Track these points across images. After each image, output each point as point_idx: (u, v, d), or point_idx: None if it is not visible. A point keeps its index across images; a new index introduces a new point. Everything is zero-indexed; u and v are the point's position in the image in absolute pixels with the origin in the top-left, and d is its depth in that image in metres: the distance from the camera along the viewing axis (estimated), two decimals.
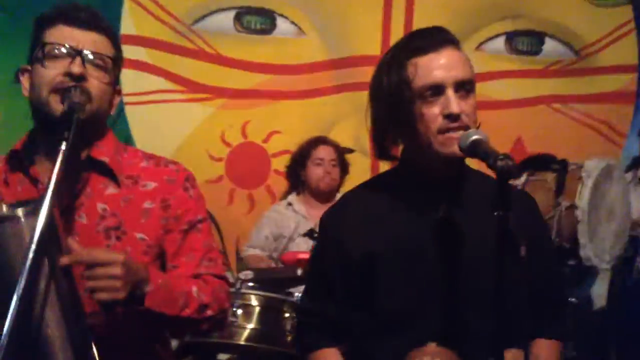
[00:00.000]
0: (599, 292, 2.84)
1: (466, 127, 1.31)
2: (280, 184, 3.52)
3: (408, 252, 1.38)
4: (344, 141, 3.47)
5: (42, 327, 1.16)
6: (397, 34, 3.79)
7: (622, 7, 4.06)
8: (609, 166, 2.76)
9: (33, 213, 1.15)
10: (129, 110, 3.54)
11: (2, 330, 1.07)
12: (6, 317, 1.07)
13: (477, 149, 1.25)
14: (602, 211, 2.73)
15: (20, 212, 1.16)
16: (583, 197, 2.62)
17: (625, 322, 2.92)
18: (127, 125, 3.53)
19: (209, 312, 1.40)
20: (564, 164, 2.71)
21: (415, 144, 1.37)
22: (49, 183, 1.15)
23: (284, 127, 3.73)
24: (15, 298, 1.08)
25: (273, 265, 3.10)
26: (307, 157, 3.15)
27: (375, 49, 3.79)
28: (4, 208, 1.18)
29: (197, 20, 3.69)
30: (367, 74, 3.97)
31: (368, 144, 3.72)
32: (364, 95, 4.20)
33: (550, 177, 2.70)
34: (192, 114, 3.69)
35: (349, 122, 3.76)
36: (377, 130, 1.42)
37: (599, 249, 2.70)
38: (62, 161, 1.17)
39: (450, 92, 1.32)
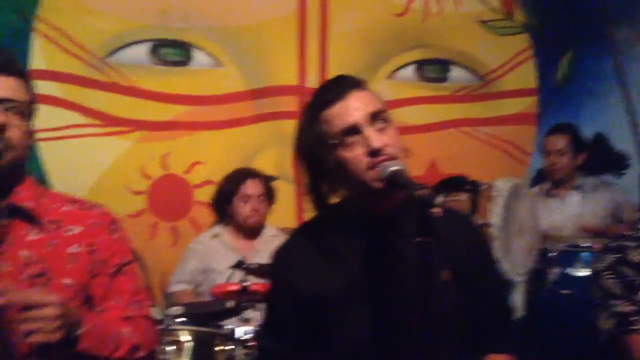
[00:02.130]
0: (517, 303, 3.00)
1: (392, 158, 1.34)
2: (204, 215, 3.49)
3: (358, 292, 1.39)
4: (267, 169, 3.49)
5: None
6: (313, 63, 3.91)
7: (521, 35, 4.37)
8: (516, 185, 2.96)
9: None
10: (42, 147, 3.42)
11: None
12: None
13: (397, 180, 1.29)
14: (513, 227, 2.91)
15: None
16: (495, 215, 2.78)
17: (540, 331, 3.09)
18: (39, 163, 3.42)
19: (140, 353, 1.40)
20: (475, 184, 2.88)
21: (350, 188, 1.40)
22: None
23: (206, 157, 3.71)
24: None
25: (199, 299, 3.07)
26: (233, 193, 3.11)
27: (292, 78, 3.88)
28: None
29: (111, 53, 3.63)
30: (285, 103, 4.10)
31: (291, 170, 3.78)
32: (283, 124, 4.30)
33: (464, 197, 2.85)
34: (109, 148, 3.61)
35: (270, 150, 3.80)
36: (311, 187, 1.44)
37: (513, 263, 2.87)
38: None
39: (367, 129, 1.35)
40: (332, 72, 3.86)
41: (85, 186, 3.49)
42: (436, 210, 1.20)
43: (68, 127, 3.53)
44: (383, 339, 1.38)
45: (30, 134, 1.38)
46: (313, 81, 3.87)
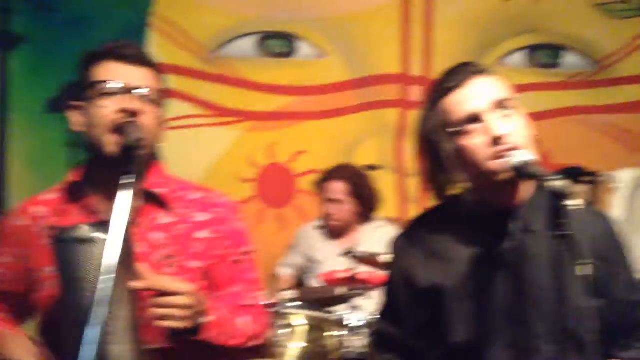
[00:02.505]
0: None
1: (515, 148, 1.28)
2: (307, 203, 3.57)
3: (475, 285, 1.35)
4: (369, 158, 3.52)
5: (108, 346, 1.20)
6: (417, 50, 3.86)
7: (638, 18, 4.08)
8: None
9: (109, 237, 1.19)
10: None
11: (79, 340, 1.11)
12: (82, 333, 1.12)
13: (525, 171, 1.23)
14: (634, 221, 2.73)
15: (100, 235, 1.21)
16: (617, 208, 2.62)
17: None
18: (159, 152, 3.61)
19: (256, 342, 1.45)
20: (594, 175, 2.72)
21: (471, 179, 1.35)
22: (115, 212, 1.18)
23: (309, 147, 3.78)
24: (90, 318, 1.12)
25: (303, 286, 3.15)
26: (320, 190, 3.17)
27: (395, 66, 3.85)
28: (86, 229, 1.23)
29: (220, 46, 3.78)
30: (388, 92, 4.07)
31: (393, 160, 3.81)
32: (385, 113, 4.27)
33: (582, 189, 2.71)
34: (220, 138, 3.77)
35: (372, 139, 3.81)
36: (431, 177, 1.41)
37: (634, 260, 2.70)
38: (133, 193, 1.21)
39: (488, 117, 1.30)
40: (437, 60, 3.81)
41: (198, 175, 3.65)
42: (574, 203, 1.13)
43: (182, 118, 3.71)
44: (502, 335, 1.33)
45: (162, 121, 1.45)
46: (417, 69, 3.83)
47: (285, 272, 3.25)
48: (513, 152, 1.27)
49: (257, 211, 3.73)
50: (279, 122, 3.79)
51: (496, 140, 1.28)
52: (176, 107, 3.69)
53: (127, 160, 1.27)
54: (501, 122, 1.30)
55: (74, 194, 1.45)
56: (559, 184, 1.14)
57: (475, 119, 1.31)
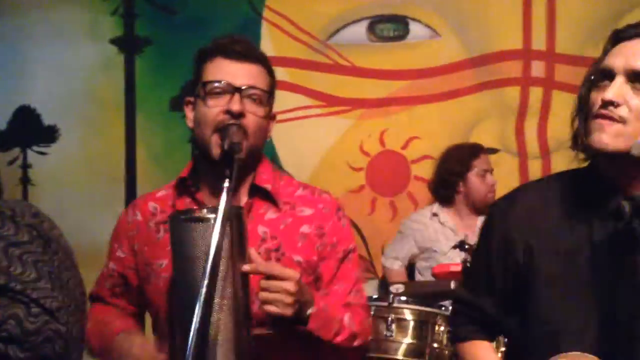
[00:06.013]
0: None
1: (621, 121, 1.19)
2: (421, 190, 3.47)
3: (574, 259, 1.27)
4: (487, 141, 3.35)
5: (214, 328, 1.22)
6: (540, 24, 3.58)
7: None
8: None
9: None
10: (273, 130, 3.68)
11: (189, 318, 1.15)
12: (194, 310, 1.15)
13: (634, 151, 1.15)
14: None
15: (216, 216, 1.23)
16: None
17: None
18: (272, 144, 3.67)
19: (358, 342, 1.43)
20: None
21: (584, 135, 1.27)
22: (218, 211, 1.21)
23: (423, 132, 3.65)
24: (201, 297, 1.16)
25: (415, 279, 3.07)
26: (467, 168, 3.05)
27: (516, 42, 3.60)
28: (204, 211, 1.28)
29: (331, 35, 3.75)
30: (508, 69, 3.82)
31: (514, 142, 3.57)
32: (505, 92, 4.03)
33: None
34: (332, 127, 3.74)
35: (490, 121, 3.60)
36: (572, 120, 1.33)
37: None
38: (227, 197, 1.24)
39: (617, 79, 1.21)
40: (561, 32, 3.53)
41: (311, 164, 3.68)
42: None
43: (295, 109, 3.73)
44: (594, 325, 1.24)
45: (266, 119, 1.47)
46: (540, 43, 3.57)
47: (397, 266, 3.17)
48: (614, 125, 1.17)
49: (369, 200, 3.67)
50: (390, 108, 3.70)
51: (605, 103, 1.20)
52: (289, 99, 3.73)
53: (227, 163, 1.30)
54: (625, 90, 1.20)
55: (183, 189, 1.50)
56: None
57: (610, 75, 1.23)
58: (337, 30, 3.74)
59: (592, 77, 1.27)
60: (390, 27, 3.72)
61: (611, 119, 1.19)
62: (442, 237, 3.06)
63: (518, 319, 1.34)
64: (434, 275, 2.85)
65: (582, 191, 1.30)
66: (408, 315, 2.50)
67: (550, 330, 1.28)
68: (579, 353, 1.21)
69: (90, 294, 1.59)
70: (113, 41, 3.82)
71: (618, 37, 1.27)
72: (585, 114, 1.26)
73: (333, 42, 3.74)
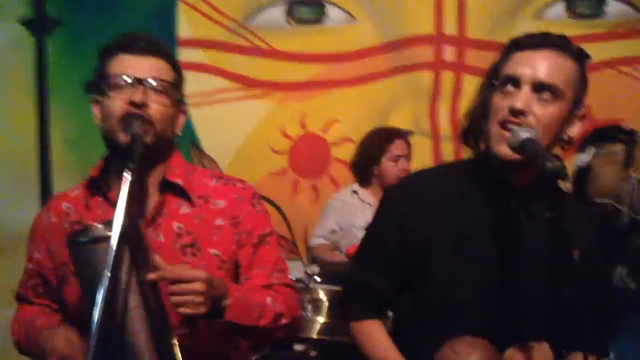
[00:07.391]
0: None
1: (522, 126, 1.26)
2: (342, 172, 3.56)
3: (466, 243, 1.36)
4: (403, 124, 3.45)
5: (130, 338, 1.25)
6: (451, 8, 3.72)
7: None
8: None
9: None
10: (192, 112, 3.65)
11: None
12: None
13: (527, 148, 1.21)
14: None
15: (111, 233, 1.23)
16: None
17: None
18: (192, 127, 3.65)
19: (284, 321, 1.48)
20: (631, 134, 2.61)
21: (485, 139, 1.36)
22: (118, 207, 1.23)
23: (342, 115, 3.74)
24: (97, 310, 1.16)
25: (338, 254, 3.14)
26: (381, 152, 3.14)
27: (428, 27, 3.73)
28: (100, 228, 1.27)
29: (249, 17, 3.75)
30: (421, 54, 3.94)
31: (427, 124, 3.73)
32: (419, 76, 4.15)
33: (618, 148, 2.60)
34: (252, 110, 3.76)
35: (406, 104, 3.73)
36: (468, 116, 1.42)
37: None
38: (128, 188, 1.25)
39: (525, 88, 1.28)
40: (472, 17, 3.68)
41: (232, 147, 3.69)
42: (567, 185, 1.14)
43: (214, 92, 3.71)
44: (485, 305, 1.34)
45: (174, 110, 1.47)
46: (451, 28, 3.71)
47: (320, 242, 3.26)
48: (519, 128, 1.25)
49: (291, 183, 3.73)
50: (310, 92, 3.76)
51: (513, 111, 1.27)
52: (209, 81, 3.71)
53: (131, 155, 1.30)
54: (531, 100, 1.28)
55: (96, 188, 1.50)
56: (554, 165, 1.12)
57: (515, 82, 1.30)
58: (255, 13, 3.74)
59: (494, 81, 1.34)
60: (308, 10, 3.75)
61: (515, 124, 1.27)
62: (360, 212, 3.15)
63: (411, 299, 1.42)
64: (347, 255, 2.95)
65: (474, 180, 1.40)
66: (322, 295, 2.57)
67: (442, 311, 1.37)
68: (470, 337, 1.28)
69: (15, 294, 1.59)
70: (23, 22, 3.66)
71: (519, 45, 1.34)
72: (486, 116, 1.33)
73: (251, 24, 3.74)
